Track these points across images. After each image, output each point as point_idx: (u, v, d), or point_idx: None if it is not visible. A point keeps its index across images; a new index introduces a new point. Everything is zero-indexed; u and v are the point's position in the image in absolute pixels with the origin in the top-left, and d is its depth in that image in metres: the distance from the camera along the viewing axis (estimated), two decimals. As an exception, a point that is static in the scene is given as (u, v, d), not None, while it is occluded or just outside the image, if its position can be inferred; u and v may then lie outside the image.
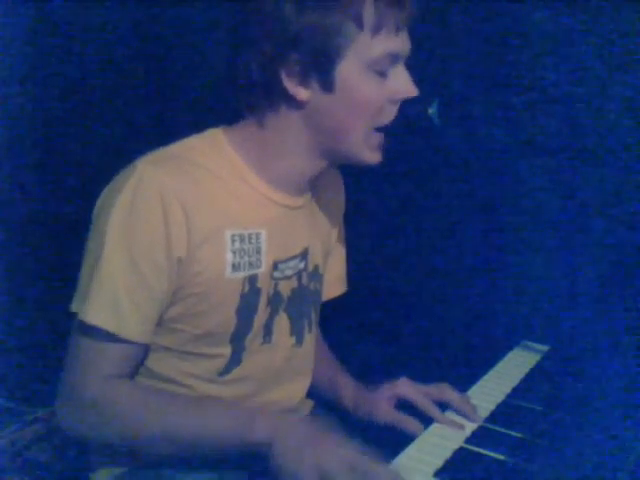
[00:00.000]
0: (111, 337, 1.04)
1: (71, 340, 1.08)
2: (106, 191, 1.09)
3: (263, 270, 1.14)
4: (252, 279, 1.13)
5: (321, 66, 1.05)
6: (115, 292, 1.03)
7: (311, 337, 1.27)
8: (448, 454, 1.02)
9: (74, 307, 1.07)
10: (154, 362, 1.13)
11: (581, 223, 1.56)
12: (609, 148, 1.50)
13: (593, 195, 1.54)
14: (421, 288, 1.82)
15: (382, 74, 1.07)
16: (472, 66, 1.64)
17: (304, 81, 1.06)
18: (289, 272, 1.19)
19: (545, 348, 1.43)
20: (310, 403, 1.33)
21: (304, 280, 1.22)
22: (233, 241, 1.10)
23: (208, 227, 1.07)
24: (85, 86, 1.93)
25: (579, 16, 1.50)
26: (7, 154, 1.82)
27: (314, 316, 1.28)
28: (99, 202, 1.10)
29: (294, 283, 1.20)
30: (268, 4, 1.05)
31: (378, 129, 1.11)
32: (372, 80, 1.07)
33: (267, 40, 1.05)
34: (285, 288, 1.19)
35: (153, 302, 1.06)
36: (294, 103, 1.08)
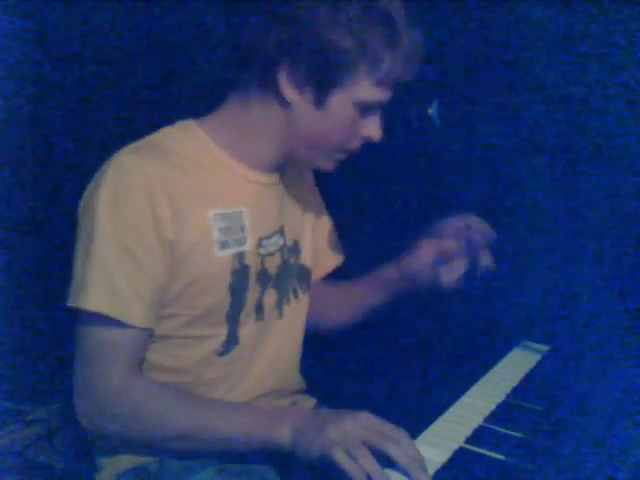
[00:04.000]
0: (114, 324, 1.06)
1: (77, 334, 1.09)
2: (89, 186, 1.12)
3: (249, 247, 1.18)
4: (240, 256, 1.17)
5: (320, 85, 1.10)
6: (111, 278, 1.05)
7: (291, 308, 1.30)
8: (448, 454, 1.02)
9: (72, 301, 1.08)
10: (153, 353, 1.15)
11: (581, 223, 1.56)
12: (609, 148, 1.50)
13: (593, 195, 1.54)
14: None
15: (363, 112, 1.14)
16: (472, 66, 1.64)
17: (299, 86, 1.10)
18: (272, 248, 1.23)
19: (545, 348, 1.43)
20: (312, 401, 1.34)
21: (285, 256, 1.27)
22: (217, 220, 1.14)
23: (191, 209, 1.11)
24: (85, 86, 1.93)
25: (579, 16, 1.49)
26: (7, 154, 1.82)
27: (294, 288, 1.31)
28: (83, 198, 1.12)
29: (278, 260, 1.25)
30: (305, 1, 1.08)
31: (340, 150, 1.18)
32: (354, 115, 1.13)
33: (283, 31, 1.08)
34: (271, 264, 1.23)
35: (151, 285, 1.08)
36: (282, 99, 1.12)
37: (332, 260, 1.44)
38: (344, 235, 1.46)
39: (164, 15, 1.95)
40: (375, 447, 0.96)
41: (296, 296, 1.31)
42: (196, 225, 1.11)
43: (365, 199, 1.79)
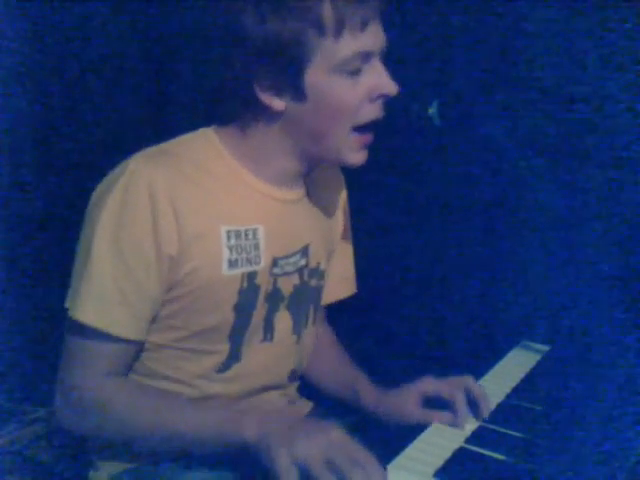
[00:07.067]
0: (102, 335, 1.05)
1: (65, 339, 1.09)
2: (99, 188, 1.10)
3: (262, 266, 1.13)
4: (250, 276, 1.12)
5: (289, 76, 1.04)
6: (104, 290, 1.04)
7: (307, 332, 1.27)
8: (448, 454, 1.02)
9: (67, 304, 1.08)
10: (152, 361, 1.14)
11: (581, 223, 1.56)
12: (609, 148, 1.50)
13: (593, 195, 1.54)
14: (421, 288, 1.82)
15: (355, 73, 1.05)
16: (472, 66, 1.64)
17: (277, 92, 1.06)
18: (289, 268, 1.18)
19: (545, 348, 1.43)
20: (309, 404, 1.33)
21: (305, 277, 1.22)
22: (229, 237, 1.10)
23: (201, 224, 1.07)
24: (85, 86, 1.93)
25: (579, 16, 1.49)
26: (7, 154, 1.82)
27: (312, 312, 1.27)
28: (92, 199, 1.10)
29: (296, 280, 1.20)
30: (230, 16, 1.04)
31: (357, 129, 1.09)
32: (343, 82, 1.05)
33: (236, 53, 1.05)
34: (286, 285, 1.18)
35: (144, 299, 1.06)
36: (271, 113, 1.08)
37: (341, 291, 1.38)
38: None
39: (164, 15, 1.95)
40: (339, 469, 0.92)
41: (311, 320, 1.27)
42: (205, 241, 1.08)
43: (364, 199, 1.79)
